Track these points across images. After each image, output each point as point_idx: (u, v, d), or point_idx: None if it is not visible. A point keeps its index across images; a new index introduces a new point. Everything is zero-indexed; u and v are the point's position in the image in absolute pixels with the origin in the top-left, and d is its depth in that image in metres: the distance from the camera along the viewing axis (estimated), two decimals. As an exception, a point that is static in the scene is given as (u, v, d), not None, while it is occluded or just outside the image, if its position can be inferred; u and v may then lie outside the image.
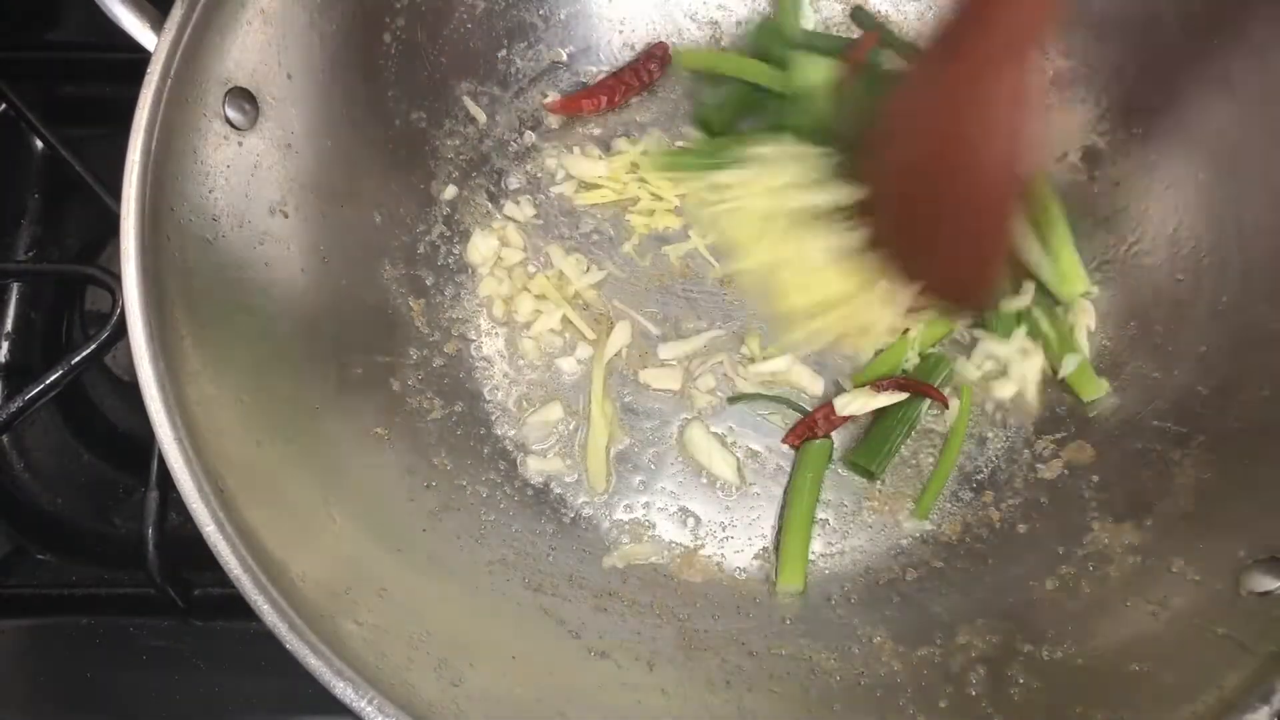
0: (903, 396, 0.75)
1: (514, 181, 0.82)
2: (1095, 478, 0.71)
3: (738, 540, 0.74)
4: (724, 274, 0.80)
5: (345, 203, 0.71)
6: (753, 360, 0.77)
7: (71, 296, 0.84)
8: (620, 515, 0.74)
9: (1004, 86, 0.60)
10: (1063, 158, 0.80)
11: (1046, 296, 0.77)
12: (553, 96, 0.83)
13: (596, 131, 0.83)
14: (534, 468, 0.75)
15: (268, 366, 0.63)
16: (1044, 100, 0.77)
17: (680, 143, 0.83)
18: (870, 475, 0.75)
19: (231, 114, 0.61)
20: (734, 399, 0.77)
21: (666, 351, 0.78)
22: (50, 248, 0.85)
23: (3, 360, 0.81)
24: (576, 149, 0.82)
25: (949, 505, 0.74)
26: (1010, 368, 0.76)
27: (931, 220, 0.68)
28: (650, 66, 0.82)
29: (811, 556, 0.73)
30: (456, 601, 0.64)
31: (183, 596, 0.71)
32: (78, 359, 0.70)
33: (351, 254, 0.72)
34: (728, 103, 0.82)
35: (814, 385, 0.77)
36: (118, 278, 0.55)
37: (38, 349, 0.82)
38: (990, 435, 0.76)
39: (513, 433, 0.76)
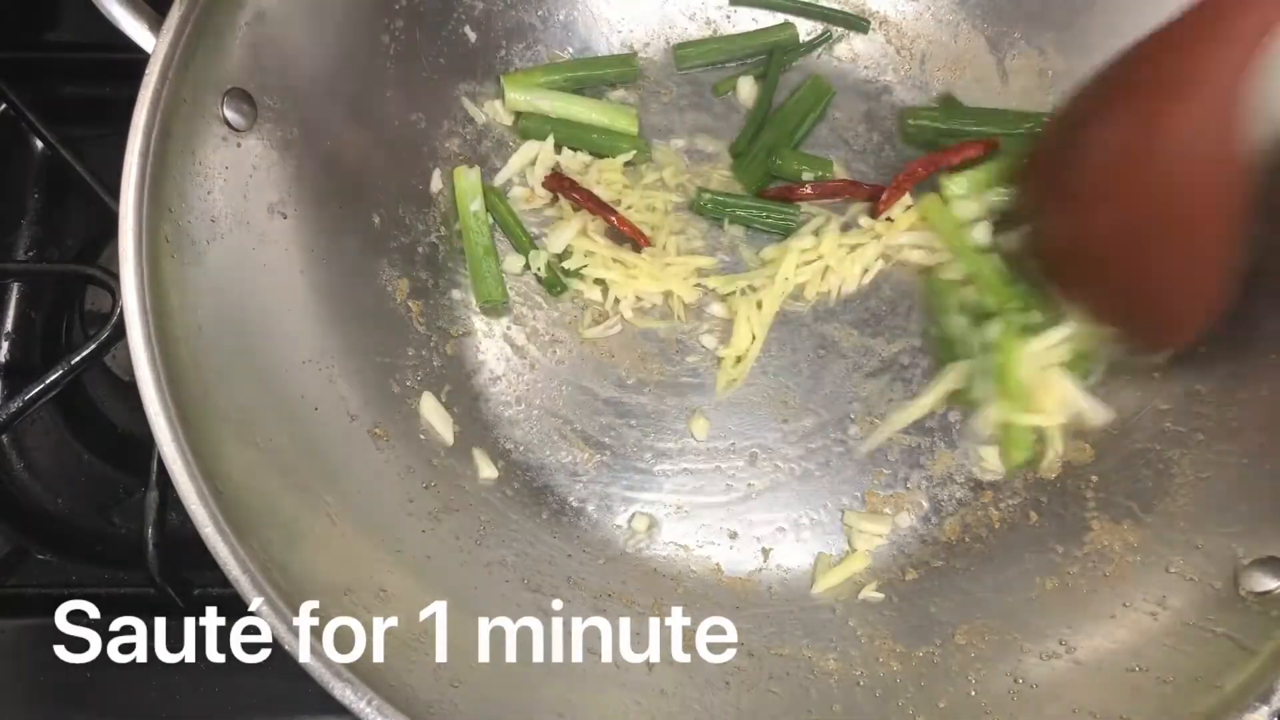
0: None
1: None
2: (1095, 477, 0.71)
3: (737, 541, 0.74)
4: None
5: (344, 204, 0.71)
6: None
7: (71, 296, 0.84)
8: (620, 516, 0.74)
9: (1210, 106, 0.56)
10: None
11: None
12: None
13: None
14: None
15: (266, 367, 0.63)
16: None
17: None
18: None
19: (230, 115, 0.61)
20: None
21: None
22: (50, 248, 0.85)
23: (3, 360, 0.81)
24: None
25: (949, 505, 0.74)
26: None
27: (1127, 257, 0.63)
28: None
29: (810, 557, 0.73)
30: (456, 602, 0.64)
31: (183, 596, 0.71)
32: (78, 359, 0.70)
33: (351, 255, 0.72)
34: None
35: None
36: (118, 278, 0.55)
37: (38, 349, 0.82)
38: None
39: (512, 433, 0.76)
